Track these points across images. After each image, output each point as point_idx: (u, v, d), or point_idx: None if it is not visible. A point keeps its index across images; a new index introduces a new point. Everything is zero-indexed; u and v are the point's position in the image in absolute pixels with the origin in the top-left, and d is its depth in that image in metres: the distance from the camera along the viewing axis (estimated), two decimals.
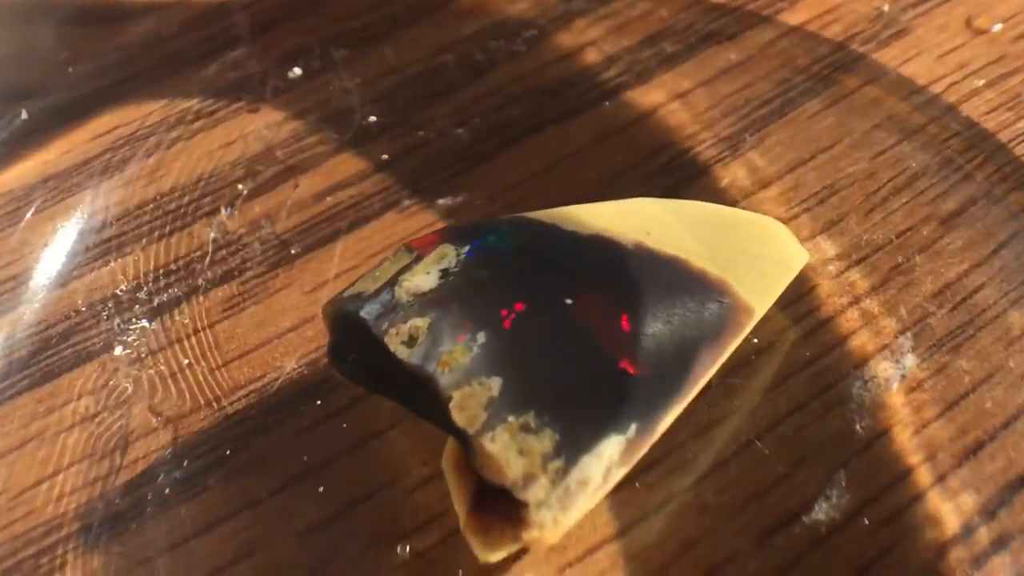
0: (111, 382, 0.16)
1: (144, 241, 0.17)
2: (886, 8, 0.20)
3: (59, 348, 0.16)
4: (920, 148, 0.18)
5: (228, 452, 0.15)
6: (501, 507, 0.12)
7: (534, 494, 0.11)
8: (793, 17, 0.20)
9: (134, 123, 0.19)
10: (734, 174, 0.18)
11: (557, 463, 0.11)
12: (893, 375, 0.15)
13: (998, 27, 0.20)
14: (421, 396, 0.12)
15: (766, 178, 0.18)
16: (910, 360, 0.15)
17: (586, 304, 0.12)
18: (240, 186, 0.18)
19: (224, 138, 0.19)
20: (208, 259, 0.17)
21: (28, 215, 0.18)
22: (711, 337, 0.13)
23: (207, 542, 0.14)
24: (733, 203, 0.17)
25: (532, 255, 0.13)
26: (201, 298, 0.17)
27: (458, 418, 0.11)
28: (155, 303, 0.17)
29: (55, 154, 0.19)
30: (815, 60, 0.19)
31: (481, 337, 0.12)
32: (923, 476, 0.14)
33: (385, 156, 0.18)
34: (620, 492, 0.14)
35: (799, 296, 0.16)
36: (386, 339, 0.11)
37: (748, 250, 0.15)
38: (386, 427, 0.15)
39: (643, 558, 0.14)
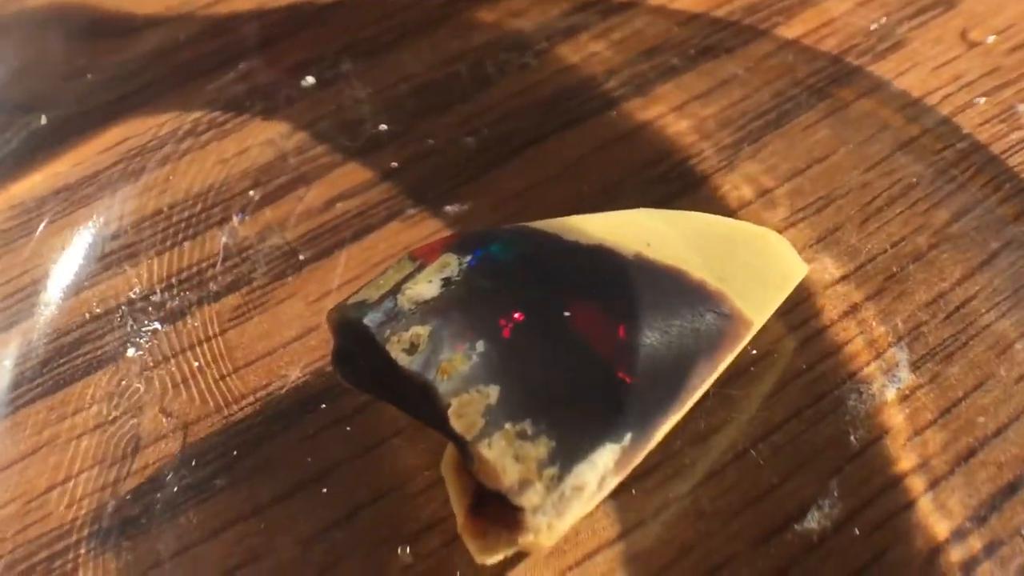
0: (123, 382, 0.16)
1: (155, 251, 0.18)
2: (883, 21, 0.20)
3: (71, 356, 0.17)
4: (915, 159, 0.18)
5: (235, 457, 0.15)
6: (498, 511, 0.12)
7: (529, 499, 0.11)
8: (790, 31, 0.20)
9: (145, 134, 0.20)
10: (732, 184, 0.18)
11: (552, 470, 0.12)
12: (887, 383, 0.15)
13: (992, 39, 0.20)
14: (421, 402, 0.12)
15: (763, 188, 0.18)
16: (904, 369, 0.15)
17: (584, 314, 0.13)
18: (251, 193, 0.18)
19: (235, 148, 0.19)
20: (218, 267, 0.17)
21: (40, 226, 0.19)
22: (708, 349, 0.14)
23: (215, 546, 0.14)
24: (731, 213, 0.18)
25: (533, 265, 0.13)
26: (210, 306, 0.17)
27: (456, 424, 0.11)
28: (166, 309, 0.17)
29: (66, 166, 0.20)
30: (811, 73, 0.19)
31: (480, 346, 0.12)
32: (915, 483, 0.14)
33: (394, 164, 0.19)
34: (618, 497, 0.14)
35: (796, 306, 0.16)
36: (388, 346, 0.12)
37: (748, 262, 0.15)
38: (389, 434, 0.15)
39: (640, 562, 0.14)
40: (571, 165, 0.18)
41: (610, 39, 0.21)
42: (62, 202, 0.19)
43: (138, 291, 0.17)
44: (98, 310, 0.17)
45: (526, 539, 0.11)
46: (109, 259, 0.18)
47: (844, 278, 0.17)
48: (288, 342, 0.16)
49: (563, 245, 0.14)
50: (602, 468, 0.12)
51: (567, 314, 0.13)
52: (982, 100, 0.19)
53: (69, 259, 0.18)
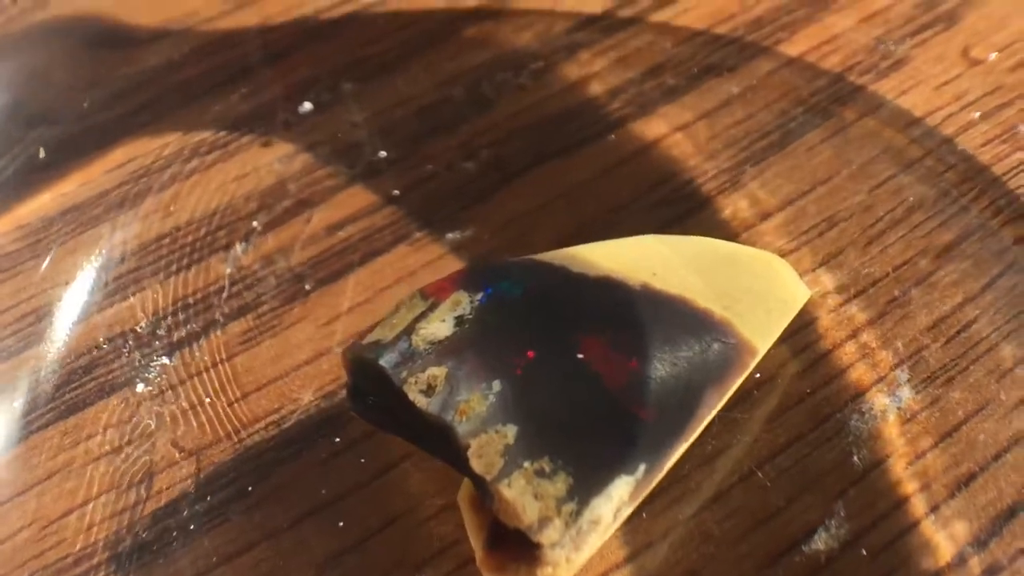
0: (134, 418, 0.16)
1: (162, 275, 0.18)
2: (885, 38, 0.21)
3: (83, 381, 0.17)
4: (917, 180, 0.18)
5: (248, 483, 0.15)
6: (516, 545, 0.12)
7: (548, 536, 0.12)
8: (792, 48, 0.20)
9: (150, 154, 0.20)
10: (735, 206, 0.18)
11: (570, 506, 0.12)
12: (889, 407, 0.16)
13: (994, 56, 0.20)
14: (438, 440, 0.12)
15: (766, 210, 0.18)
16: (906, 392, 0.16)
17: (595, 348, 0.13)
18: (254, 221, 0.19)
19: (238, 171, 0.19)
20: (225, 293, 0.18)
21: (49, 249, 0.19)
22: (716, 378, 0.14)
23: (229, 572, 0.15)
24: (734, 235, 0.18)
25: (542, 300, 0.13)
26: (219, 332, 0.17)
27: (476, 465, 0.12)
28: (174, 338, 0.17)
29: (73, 185, 0.20)
30: (814, 92, 0.20)
31: (496, 385, 0.12)
32: (918, 506, 0.15)
33: (395, 191, 0.19)
34: (627, 521, 0.14)
35: (799, 329, 0.16)
36: (405, 388, 0.12)
37: (751, 288, 0.16)
38: (401, 459, 0.15)
39: None
40: (573, 188, 0.19)
41: (611, 57, 0.21)
42: (70, 224, 0.19)
43: (146, 317, 0.17)
44: (108, 335, 0.17)
45: (544, 572, 0.12)
46: (117, 284, 0.18)
47: (847, 302, 0.17)
48: (299, 366, 0.17)
49: (571, 278, 0.14)
50: (617, 500, 0.12)
51: (578, 349, 0.13)
52: (984, 120, 0.19)
53: (78, 283, 0.18)
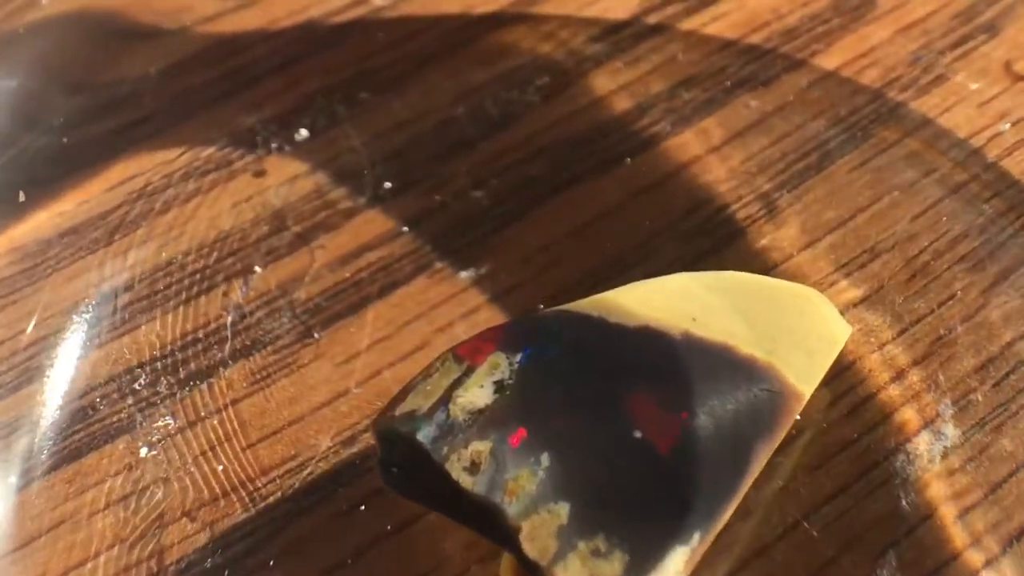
0: (141, 465, 0.15)
1: (167, 307, 0.17)
2: (924, 51, 0.20)
3: (86, 424, 0.16)
4: (962, 207, 0.17)
5: (264, 536, 0.15)
6: None
7: None
8: (828, 61, 0.19)
9: (152, 171, 0.19)
10: (772, 235, 0.17)
11: None
12: (936, 454, 0.15)
13: None
14: (483, 518, 0.11)
15: (805, 240, 0.17)
16: (953, 439, 0.15)
17: (641, 407, 0.12)
18: (263, 246, 0.17)
19: (245, 192, 0.18)
20: (235, 327, 0.17)
21: (46, 275, 0.18)
22: (765, 430, 0.13)
23: None
24: (772, 267, 0.17)
25: (583, 357, 0.12)
26: (229, 370, 0.16)
27: (529, 549, 0.11)
28: (181, 375, 0.16)
29: (71, 204, 0.19)
30: (853, 110, 0.19)
31: (545, 460, 0.11)
32: (970, 562, 0.14)
33: (404, 228, 0.18)
34: None
35: (841, 371, 0.16)
36: (447, 465, 0.11)
37: (792, 327, 0.15)
38: (427, 510, 0.15)
39: None
40: (599, 216, 0.18)
41: (636, 71, 0.19)
42: (68, 247, 0.18)
43: (151, 353, 0.16)
44: (111, 372, 0.16)
45: None
46: (120, 315, 0.17)
47: (890, 341, 0.16)
48: (316, 408, 0.16)
49: (609, 330, 0.13)
50: (673, 572, 0.12)
51: (624, 410, 0.12)
52: None
53: (78, 314, 0.17)
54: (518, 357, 0.12)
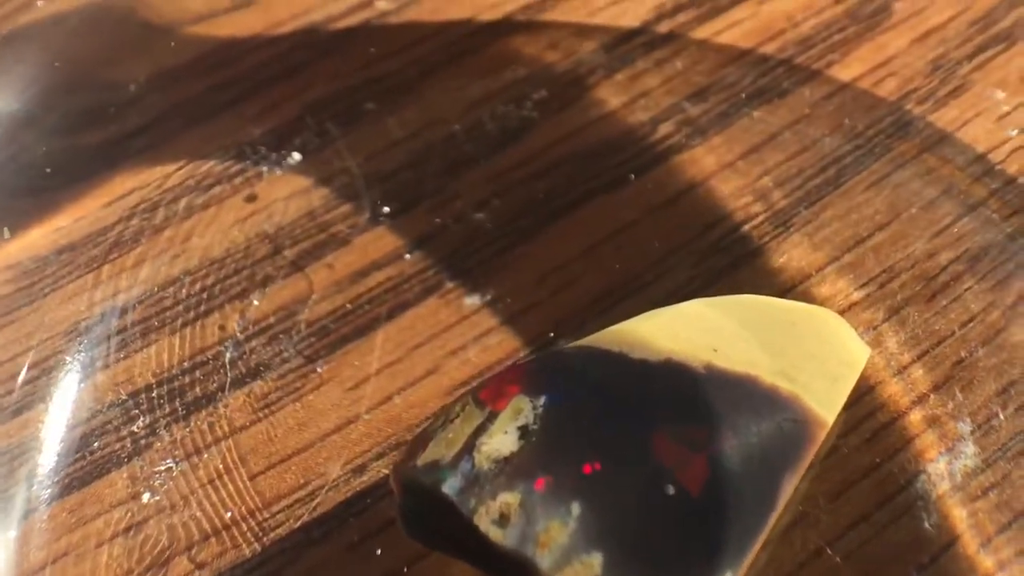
0: (145, 493, 0.15)
1: (169, 328, 0.16)
2: (941, 60, 0.19)
3: (88, 451, 0.15)
4: (982, 225, 0.17)
5: (273, 570, 0.14)
6: None
7: None
8: (846, 72, 0.19)
9: (151, 186, 0.18)
10: (788, 255, 0.17)
11: None
12: (958, 481, 0.15)
13: None
14: (510, 568, 0.11)
15: (823, 259, 0.17)
16: (975, 465, 0.15)
17: (668, 447, 0.12)
18: (267, 265, 0.17)
19: (246, 209, 0.18)
20: (240, 348, 0.16)
21: (44, 294, 0.17)
22: (791, 462, 0.13)
23: None
24: (790, 287, 0.17)
25: (607, 398, 0.12)
26: (235, 395, 0.16)
27: None
28: (187, 398, 0.16)
29: (68, 220, 0.18)
30: (870, 123, 0.18)
31: (575, 508, 0.11)
32: None
33: (407, 256, 0.17)
34: None
35: (860, 396, 0.15)
36: (475, 519, 0.11)
37: (812, 352, 0.15)
38: None
39: None
40: (608, 237, 0.17)
41: (648, 82, 0.19)
42: (66, 265, 0.17)
43: (154, 377, 0.16)
44: (114, 397, 0.16)
45: None
46: (121, 337, 0.16)
47: (910, 364, 0.16)
48: (325, 435, 0.15)
49: (632, 367, 0.13)
50: None
51: (651, 450, 0.12)
52: None
53: (77, 335, 0.17)
54: (541, 400, 0.12)
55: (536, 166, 0.18)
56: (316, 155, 0.18)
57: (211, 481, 0.15)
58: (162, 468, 0.15)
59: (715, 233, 0.17)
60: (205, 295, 0.17)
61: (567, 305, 0.16)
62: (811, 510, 0.14)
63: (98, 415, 0.16)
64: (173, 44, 0.20)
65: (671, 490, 0.12)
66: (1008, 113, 0.18)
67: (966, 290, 0.16)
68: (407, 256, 0.17)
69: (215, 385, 0.16)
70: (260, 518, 0.15)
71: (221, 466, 0.15)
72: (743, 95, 0.19)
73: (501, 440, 0.11)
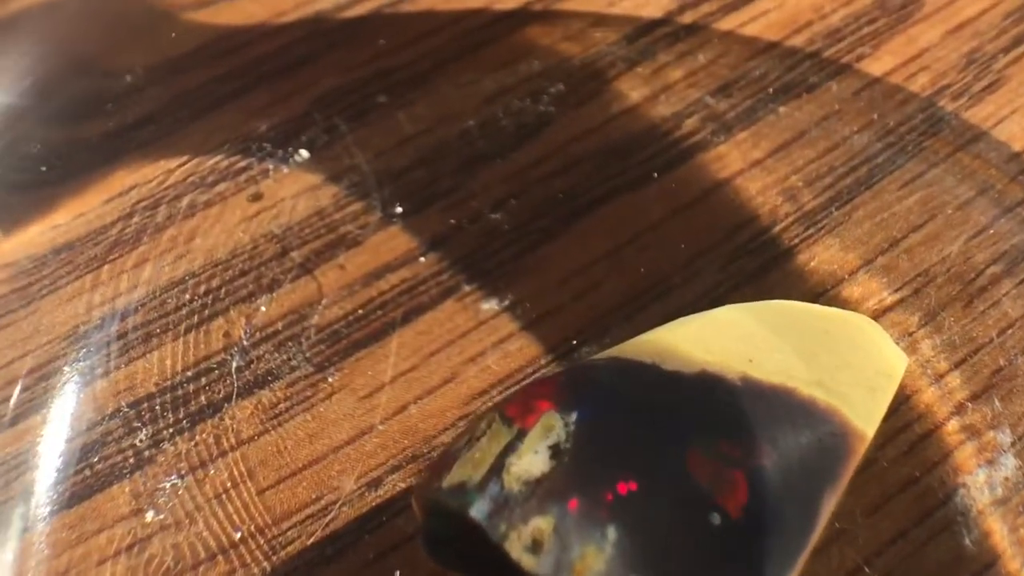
0: (150, 508, 0.14)
1: (173, 333, 0.16)
2: (976, 53, 0.18)
3: (89, 463, 0.15)
4: (1019, 226, 0.16)
5: None
6: None
7: None
8: (876, 66, 0.18)
9: (152, 182, 0.17)
10: (820, 257, 0.16)
11: None
12: (998, 494, 0.14)
13: None
14: None
15: (855, 262, 0.16)
16: (1016, 478, 0.14)
17: (705, 466, 0.11)
18: (275, 266, 0.16)
19: (252, 208, 0.17)
20: (248, 355, 0.16)
21: (41, 295, 0.16)
22: (832, 478, 0.13)
23: None
24: (820, 291, 0.16)
25: (640, 413, 0.12)
26: (243, 403, 0.15)
27: None
28: (192, 408, 0.15)
29: (66, 217, 0.17)
30: (902, 120, 0.17)
31: (611, 533, 0.10)
32: None
33: (421, 259, 0.16)
34: None
35: (898, 405, 0.15)
36: (507, 545, 0.10)
37: (849, 361, 0.14)
38: None
39: None
40: (633, 238, 0.16)
41: (672, 75, 0.18)
42: (64, 265, 0.17)
43: (157, 384, 0.15)
44: (115, 405, 0.15)
45: None
46: (122, 342, 0.16)
47: (948, 372, 0.15)
48: (338, 447, 0.15)
49: (666, 380, 0.12)
50: None
51: (688, 468, 0.11)
52: None
53: (77, 339, 0.16)
54: (573, 416, 0.11)
55: (554, 164, 0.17)
56: (324, 151, 0.18)
57: (218, 496, 0.14)
58: (167, 484, 0.14)
59: (743, 234, 0.17)
60: (210, 299, 0.16)
61: (590, 310, 0.16)
62: (848, 526, 0.14)
63: (98, 426, 0.15)
64: (174, 33, 0.20)
65: (709, 510, 0.11)
66: None
67: (1004, 295, 0.16)
68: (421, 258, 0.16)
69: (221, 394, 0.15)
70: (270, 535, 0.14)
71: (228, 480, 0.14)
72: (770, 89, 0.18)
73: (531, 460, 0.11)
